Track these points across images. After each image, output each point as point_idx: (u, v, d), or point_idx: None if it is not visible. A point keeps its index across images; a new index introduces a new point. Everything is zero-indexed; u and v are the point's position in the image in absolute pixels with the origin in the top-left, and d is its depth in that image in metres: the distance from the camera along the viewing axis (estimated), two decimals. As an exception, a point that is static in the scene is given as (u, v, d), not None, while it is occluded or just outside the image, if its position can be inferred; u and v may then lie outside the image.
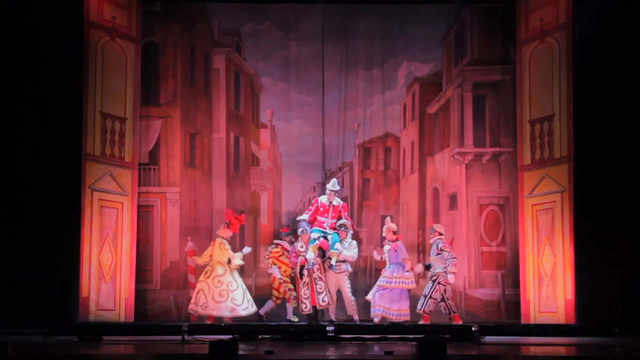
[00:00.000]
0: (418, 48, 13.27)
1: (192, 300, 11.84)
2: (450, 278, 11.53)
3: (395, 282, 11.64)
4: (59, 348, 9.11)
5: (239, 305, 11.70)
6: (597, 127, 11.60)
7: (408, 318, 11.65)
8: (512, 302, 12.55)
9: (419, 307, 11.67)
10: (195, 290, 11.89)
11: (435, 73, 13.29)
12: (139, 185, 12.68)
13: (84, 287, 11.78)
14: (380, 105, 13.31)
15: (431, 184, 13.19)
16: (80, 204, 11.85)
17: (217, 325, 11.27)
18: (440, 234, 11.81)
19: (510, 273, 12.68)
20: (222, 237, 11.98)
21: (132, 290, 12.32)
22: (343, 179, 13.27)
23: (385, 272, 11.78)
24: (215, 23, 13.36)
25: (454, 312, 11.63)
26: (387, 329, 10.58)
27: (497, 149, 12.96)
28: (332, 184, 12.25)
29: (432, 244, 11.82)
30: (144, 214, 12.78)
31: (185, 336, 9.81)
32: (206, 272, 11.88)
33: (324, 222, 12.14)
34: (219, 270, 11.82)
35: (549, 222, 12.06)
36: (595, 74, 11.65)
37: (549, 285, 11.95)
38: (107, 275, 12.06)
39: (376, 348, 9.26)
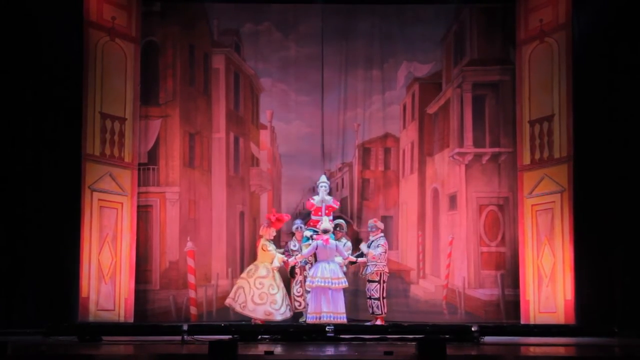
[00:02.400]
0: (418, 48, 13.27)
1: (231, 295, 11.81)
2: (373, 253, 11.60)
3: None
4: (58, 348, 9.12)
5: (276, 310, 11.66)
6: (597, 127, 11.61)
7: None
8: (512, 302, 12.55)
9: (377, 312, 11.60)
10: (236, 287, 11.86)
11: (435, 73, 13.29)
12: (139, 185, 12.68)
13: (83, 287, 11.78)
14: (380, 106, 13.31)
15: (431, 184, 13.19)
16: (80, 204, 11.85)
17: (217, 325, 11.24)
18: (382, 231, 11.86)
19: (510, 273, 12.68)
20: (264, 238, 11.97)
21: (132, 290, 12.31)
22: (343, 179, 13.27)
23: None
24: (215, 23, 13.36)
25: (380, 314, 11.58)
26: (387, 329, 10.58)
27: (496, 149, 12.96)
28: (322, 179, 12.31)
29: (373, 241, 11.76)
30: (143, 214, 12.78)
31: (185, 336, 9.81)
32: (249, 271, 11.87)
33: (317, 222, 12.13)
34: (262, 271, 11.79)
35: (549, 223, 12.06)
36: (595, 74, 11.65)
37: (549, 286, 11.95)
38: (106, 276, 12.06)
39: (376, 348, 9.26)
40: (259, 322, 11.58)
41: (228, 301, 11.88)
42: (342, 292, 11.38)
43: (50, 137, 11.65)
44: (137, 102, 12.67)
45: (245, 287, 11.72)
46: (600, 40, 11.62)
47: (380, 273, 11.68)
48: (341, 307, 11.30)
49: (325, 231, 11.49)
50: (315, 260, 11.57)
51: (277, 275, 11.90)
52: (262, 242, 11.96)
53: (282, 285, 11.86)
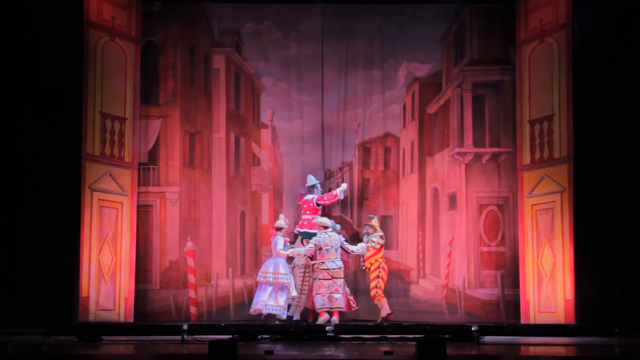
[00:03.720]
0: (418, 48, 13.27)
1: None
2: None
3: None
4: (58, 348, 9.13)
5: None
6: (597, 127, 11.60)
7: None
8: (512, 302, 12.55)
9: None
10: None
11: (435, 73, 13.30)
12: (139, 185, 12.68)
13: (83, 287, 11.78)
14: (380, 105, 13.31)
15: (431, 184, 13.19)
16: (80, 204, 11.85)
17: (217, 325, 11.24)
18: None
19: (510, 273, 12.68)
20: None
21: (132, 290, 12.32)
22: (343, 178, 13.27)
23: None
24: (215, 23, 13.36)
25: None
26: (387, 329, 10.58)
27: (496, 149, 12.96)
28: (309, 180, 12.35)
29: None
30: (143, 213, 12.78)
31: (185, 336, 9.82)
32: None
33: (304, 221, 12.14)
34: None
35: (549, 222, 12.06)
36: (595, 73, 11.65)
37: (549, 285, 11.96)
38: (106, 275, 12.06)
39: (376, 348, 9.27)
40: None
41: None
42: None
43: (50, 137, 11.65)
44: (137, 102, 12.68)
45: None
46: (600, 40, 11.62)
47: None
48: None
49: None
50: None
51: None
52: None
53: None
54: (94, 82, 12.16)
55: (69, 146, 11.81)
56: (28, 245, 11.41)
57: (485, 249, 12.87)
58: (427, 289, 12.97)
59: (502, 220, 12.89)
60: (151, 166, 12.94)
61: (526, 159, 12.46)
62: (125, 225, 12.34)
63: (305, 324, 11.64)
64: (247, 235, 13.12)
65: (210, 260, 12.96)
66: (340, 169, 13.34)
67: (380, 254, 11.94)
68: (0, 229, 11.33)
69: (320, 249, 11.50)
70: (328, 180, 13.10)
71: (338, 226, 12.29)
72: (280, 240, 11.70)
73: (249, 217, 13.21)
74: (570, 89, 11.95)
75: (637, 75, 11.35)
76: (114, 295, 12.13)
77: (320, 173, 13.08)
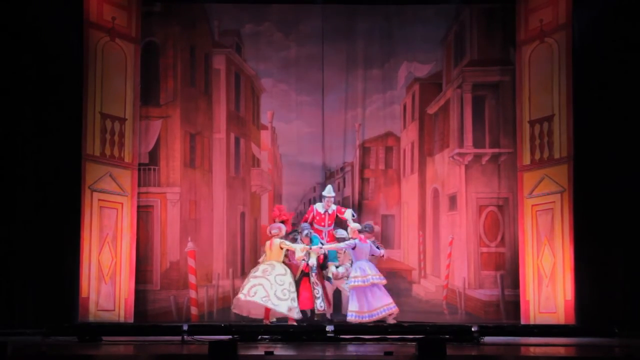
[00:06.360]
0: (418, 48, 13.26)
1: (244, 292, 11.57)
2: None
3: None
4: (58, 348, 9.13)
5: (295, 308, 11.65)
6: (597, 127, 11.60)
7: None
8: (512, 303, 12.54)
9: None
10: (249, 285, 11.63)
11: (435, 73, 13.29)
12: (139, 185, 12.68)
13: (83, 287, 11.78)
14: (381, 105, 13.31)
15: (431, 185, 13.19)
16: (80, 204, 11.85)
17: (217, 326, 11.25)
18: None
19: (510, 273, 12.68)
20: (279, 237, 11.96)
21: (132, 290, 12.31)
22: (344, 178, 13.28)
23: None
24: (216, 24, 13.36)
25: None
26: (387, 329, 10.59)
27: (496, 150, 12.95)
28: (328, 191, 12.31)
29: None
30: (143, 214, 12.78)
31: (185, 336, 9.82)
32: (265, 270, 11.77)
33: (321, 232, 12.13)
34: (280, 269, 11.76)
35: (549, 223, 12.06)
36: (595, 74, 11.65)
37: (549, 286, 11.95)
38: (106, 276, 12.06)
39: (376, 348, 9.27)
40: (278, 317, 11.64)
41: (239, 297, 11.65)
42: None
43: (50, 137, 11.65)
44: (137, 102, 12.68)
45: (266, 284, 11.55)
46: (600, 40, 11.62)
47: None
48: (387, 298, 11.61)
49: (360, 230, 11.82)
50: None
51: (291, 273, 11.91)
52: (278, 241, 11.91)
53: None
54: (94, 82, 12.15)
55: (69, 146, 11.81)
56: (28, 245, 11.41)
57: (485, 249, 12.87)
58: (428, 289, 12.98)
59: (502, 220, 12.89)
60: (152, 167, 12.94)
61: (526, 159, 12.45)
62: (126, 226, 12.34)
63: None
64: (247, 236, 13.12)
65: (211, 260, 12.96)
66: (342, 168, 13.34)
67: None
68: (0, 229, 11.33)
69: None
70: (328, 180, 13.10)
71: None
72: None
73: (248, 217, 13.21)
74: (570, 89, 11.94)
75: (637, 75, 11.36)
76: (114, 296, 12.13)
77: (320, 173, 13.10)
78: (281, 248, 11.85)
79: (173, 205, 12.93)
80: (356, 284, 11.51)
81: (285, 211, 12.41)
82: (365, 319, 11.39)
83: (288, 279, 11.70)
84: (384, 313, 11.48)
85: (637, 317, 10.97)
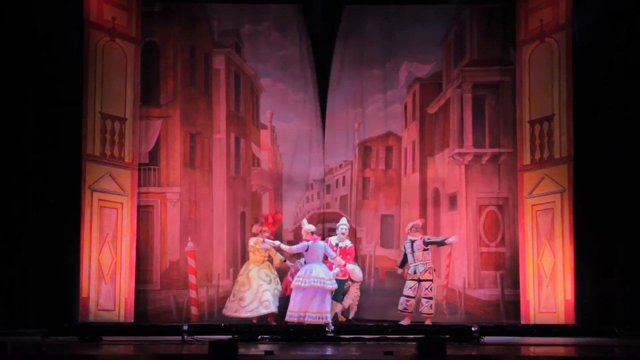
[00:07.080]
0: (418, 48, 13.26)
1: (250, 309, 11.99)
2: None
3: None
4: (58, 348, 9.12)
5: (244, 307, 11.74)
6: (597, 127, 11.60)
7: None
8: (512, 303, 12.54)
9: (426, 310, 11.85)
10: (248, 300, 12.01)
11: (435, 73, 13.29)
12: (139, 185, 12.68)
13: (83, 287, 11.78)
14: (381, 105, 13.31)
15: (432, 184, 13.19)
16: (80, 204, 11.85)
17: (217, 326, 11.25)
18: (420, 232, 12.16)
19: (510, 273, 12.68)
20: (257, 237, 12.15)
21: (132, 290, 12.31)
22: (344, 177, 13.27)
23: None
24: (215, 24, 13.36)
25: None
26: (387, 329, 10.58)
27: (496, 150, 12.95)
28: (342, 226, 12.24)
29: (417, 242, 11.94)
30: (144, 214, 12.78)
31: (185, 336, 9.82)
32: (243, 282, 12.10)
33: (332, 265, 12.08)
34: (241, 270, 12.03)
35: (549, 223, 12.06)
36: (595, 74, 11.65)
37: (549, 286, 11.95)
38: (107, 276, 12.06)
39: (376, 348, 9.26)
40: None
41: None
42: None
43: (50, 137, 11.65)
44: (137, 102, 12.68)
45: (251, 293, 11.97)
46: (600, 40, 11.62)
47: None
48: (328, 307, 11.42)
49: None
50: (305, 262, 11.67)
51: (254, 272, 12.01)
52: (255, 240, 12.11)
53: (258, 282, 11.92)
54: (94, 82, 12.15)
55: (69, 146, 11.81)
56: (28, 245, 11.41)
57: (485, 249, 12.87)
58: (427, 289, 12.95)
59: (502, 220, 12.89)
60: (152, 167, 12.94)
61: (526, 159, 12.45)
62: (126, 226, 12.34)
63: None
64: (247, 236, 13.11)
65: (211, 260, 12.96)
66: (341, 166, 13.34)
67: None
68: (0, 229, 11.34)
69: None
70: (328, 176, 13.10)
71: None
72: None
73: (249, 217, 13.21)
74: (570, 89, 11.94)
75: (637, 75, 11.35)
76: (114, 296, 12.13)
77: (320, 173, 13.09)
78: (251, 251, 12.20)
79: (173, 205, 12.93)
80: (297, 283, 11.44)
81: (277, 214, 12.54)
82: (294, 319, 11.27)
83: (242, 279, 12.04)
84: (314, 320, 11.17)
85: (637, 317, 10.97)
